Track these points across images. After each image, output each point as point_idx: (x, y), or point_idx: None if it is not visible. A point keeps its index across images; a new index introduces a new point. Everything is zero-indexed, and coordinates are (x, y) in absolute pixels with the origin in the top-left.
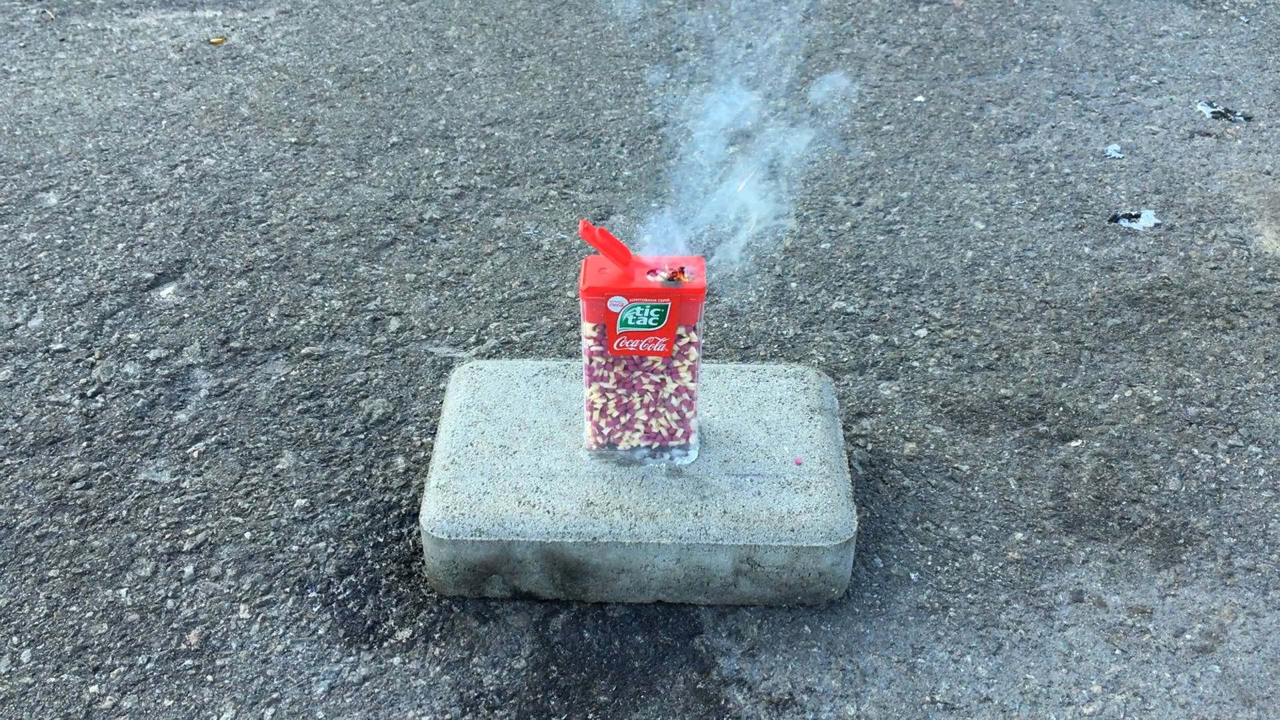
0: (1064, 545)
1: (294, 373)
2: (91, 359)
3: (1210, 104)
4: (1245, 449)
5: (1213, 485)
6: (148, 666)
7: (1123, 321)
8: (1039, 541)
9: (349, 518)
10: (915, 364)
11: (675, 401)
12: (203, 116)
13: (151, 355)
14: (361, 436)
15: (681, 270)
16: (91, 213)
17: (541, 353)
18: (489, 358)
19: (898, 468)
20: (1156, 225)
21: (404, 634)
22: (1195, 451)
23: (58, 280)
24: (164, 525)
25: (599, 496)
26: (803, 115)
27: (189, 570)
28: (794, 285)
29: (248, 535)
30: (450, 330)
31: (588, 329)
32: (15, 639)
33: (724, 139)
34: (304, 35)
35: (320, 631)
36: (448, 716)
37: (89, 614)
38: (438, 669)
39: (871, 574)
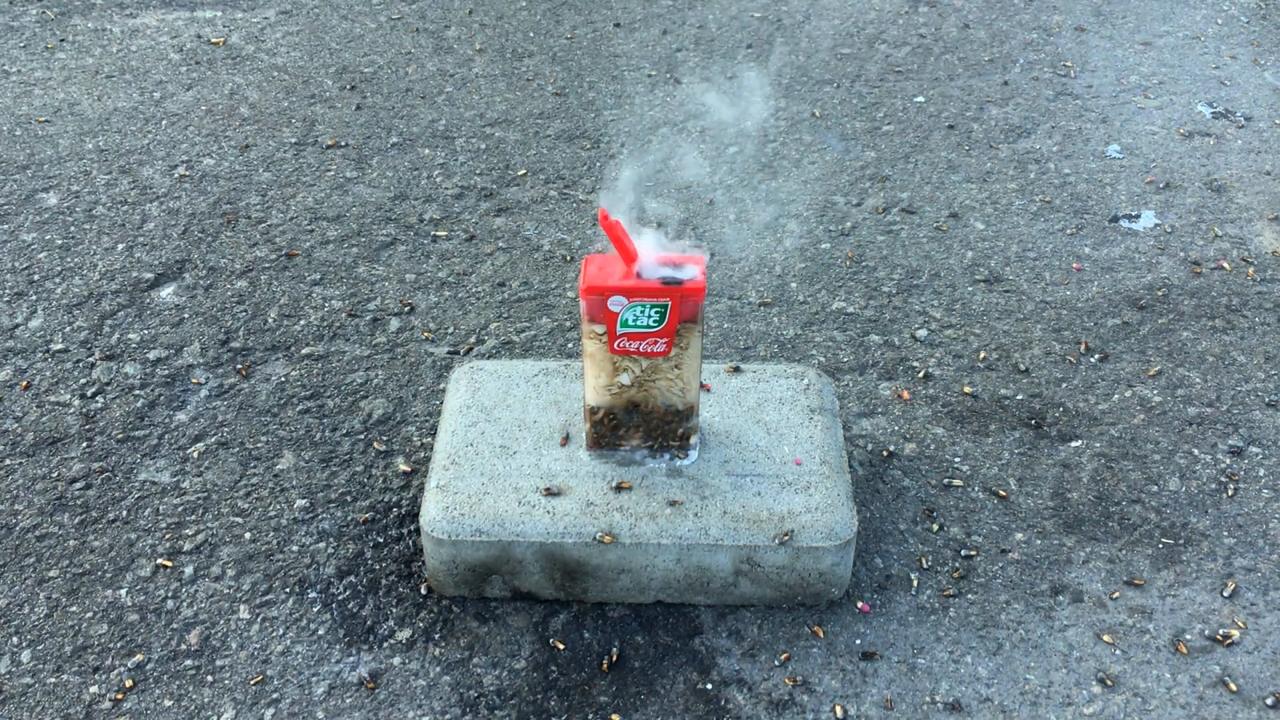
0: (1064, 545)
1: (294, 373)
2: (91, 359)
3: (1210, 104)
4: (1245, 449)
5: (1213, 485)
6: (148, 666)
7: (1123, 321)
8: (1039, 541)
9: (349, 518)
10: (915, 364)
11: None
12: (203, 116)
13: (151, 355)
14: (361, 436)
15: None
16: (91, 213)
17: (541, 353)
18: (489, 358)
19: (898, 468)
20: (1156, 225)
21: (404, 634)
22: (1195, 451)
23: (58, 280)
24: (164, 525)
25: (599, 496)
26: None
27: (189, 570)
28: (794, 285)
29: (248, 535)
30: (450, 330)
31: (588, 329)
32: (15, 639)
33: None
34: (304, 35)
35: (320, 632)
36: (448, 717)
37: (89, 614)
38: (438, 669)
39: (871, 574)
